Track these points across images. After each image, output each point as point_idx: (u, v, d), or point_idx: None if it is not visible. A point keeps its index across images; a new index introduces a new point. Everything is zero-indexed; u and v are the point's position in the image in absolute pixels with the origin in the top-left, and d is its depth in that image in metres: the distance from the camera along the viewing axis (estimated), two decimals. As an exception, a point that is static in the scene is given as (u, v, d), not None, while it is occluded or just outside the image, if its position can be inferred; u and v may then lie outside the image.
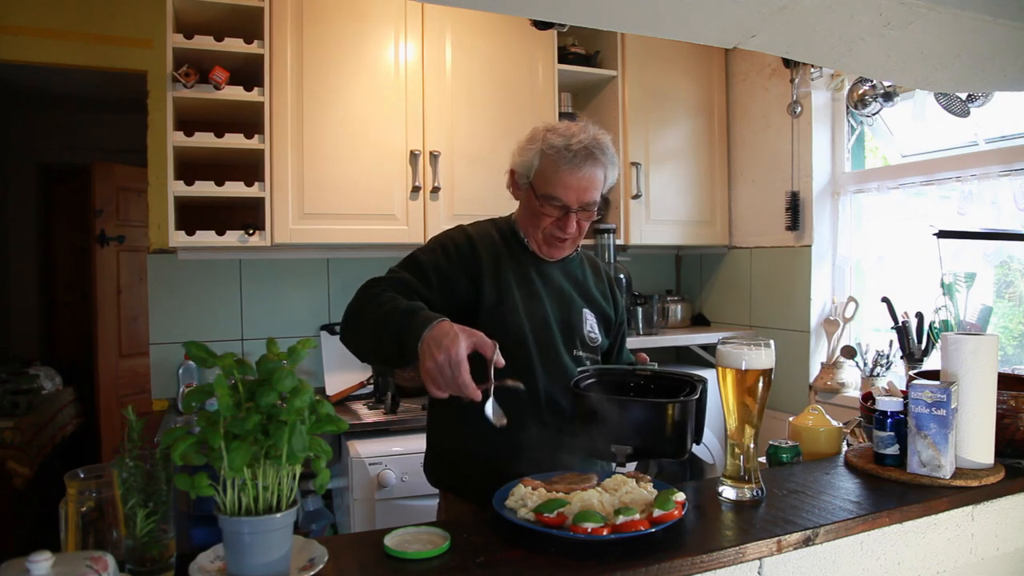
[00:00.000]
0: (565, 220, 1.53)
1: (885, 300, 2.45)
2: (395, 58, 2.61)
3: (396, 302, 1.33)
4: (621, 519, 1.03)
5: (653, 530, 1.03)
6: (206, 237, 2.40)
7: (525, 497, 1.14)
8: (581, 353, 1.60)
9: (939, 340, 2.25)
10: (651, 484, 1.18)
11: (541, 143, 1.54)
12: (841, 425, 1.61)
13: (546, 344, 1.54)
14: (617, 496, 1.13)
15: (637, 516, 1.04)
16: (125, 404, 1.00)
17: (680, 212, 3.16)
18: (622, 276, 2.96)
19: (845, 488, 1.29)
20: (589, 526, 1.01)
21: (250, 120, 2.55)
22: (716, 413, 2.86)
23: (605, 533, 1.01)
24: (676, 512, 1.07)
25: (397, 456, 2.35)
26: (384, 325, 1.29)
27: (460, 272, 1.50)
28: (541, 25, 2.77)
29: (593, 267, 1.74)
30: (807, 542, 1.09)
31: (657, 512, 1.06)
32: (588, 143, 1.52)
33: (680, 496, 1.11)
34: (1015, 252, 2.33)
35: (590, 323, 1.64)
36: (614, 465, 1.34)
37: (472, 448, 1.52)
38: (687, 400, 1.32)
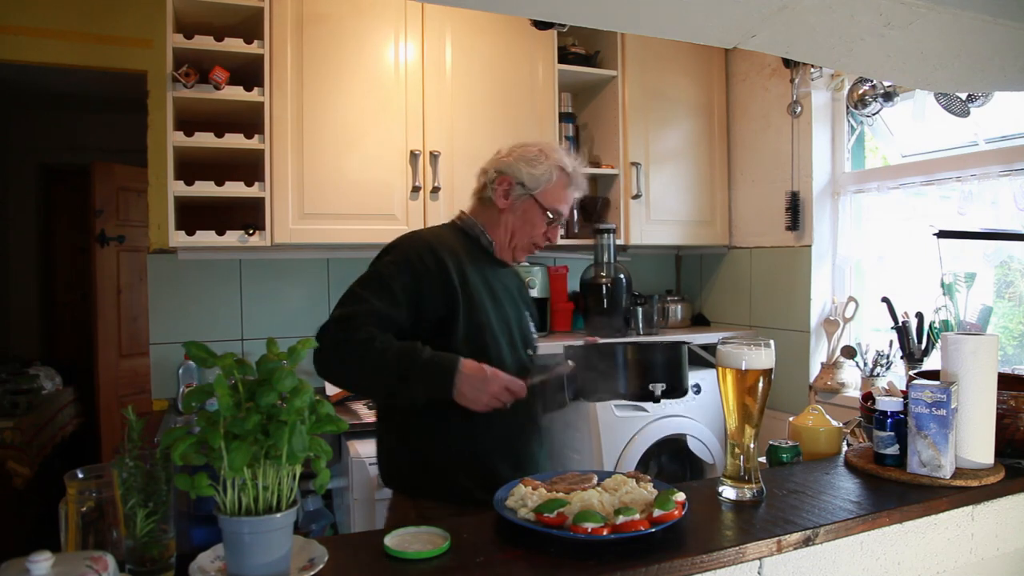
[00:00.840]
0: (552, 230, 1.70)
1: (885, 300, 2.45)
2: (395, 58, 2.61)
3: (390, 348, 1.42)
4: (621, 519, 1.03)
5: (653, 530, 1.03)
6: (206, 237, 2.40)
7: (525, 497, 1.14)
8: (529, 351, 1.74)
9: (939, 340, 2.25)
10: (651, 484, 1.18)
11: (556, 161, 1.67)
12: (841, 425, 1.61)
13: (511, 347, 1.65)
14: (617, 496, 1.13)
15: (637, 516, 1.04)
16: (125, 404, 1.00)
17: (680, 212, 3.16)
18: (622, 276, 2.96)
19: (845, 488, 1.29)
20: (589, 526, 1.01)
21: (250, 120, 2.55)
22: (716, 413, 2.89)
23: (605, 533, 1.01)
24: (676, 512, 1.07)
25: (397, 456, 2.35)
26: (402, 377, 1.42)
27: (428, 288, 1.53)
28: (541, 25, 2.77)
29: (515, 272, 1.86)
30: (807, 542, 1.09)
31: (657, 512, 1.06)
32: (583, 169, 1.76)
33: (680, 496, 1.11)
34: (1015, 252, 2.33)
35: (531, 324, 1.78)
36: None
37: (454, 447, 1.58)
38: (688, 343, 1.76)
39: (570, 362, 1.56)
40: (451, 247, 1.61)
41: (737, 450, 1.23)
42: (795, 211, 2.90)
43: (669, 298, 3.38)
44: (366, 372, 1.43)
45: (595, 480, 1.23)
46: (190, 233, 2.39)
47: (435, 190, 2.64)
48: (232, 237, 2.42)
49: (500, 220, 1.68)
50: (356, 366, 1.44)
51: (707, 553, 1.00)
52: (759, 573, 1.07)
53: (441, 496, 1.55)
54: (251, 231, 2.44)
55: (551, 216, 1.67)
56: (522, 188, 1.65)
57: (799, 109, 2.87)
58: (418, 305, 1.52)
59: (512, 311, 1.69)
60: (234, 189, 2.42)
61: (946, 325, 2.31)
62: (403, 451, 1.63)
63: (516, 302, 1.73)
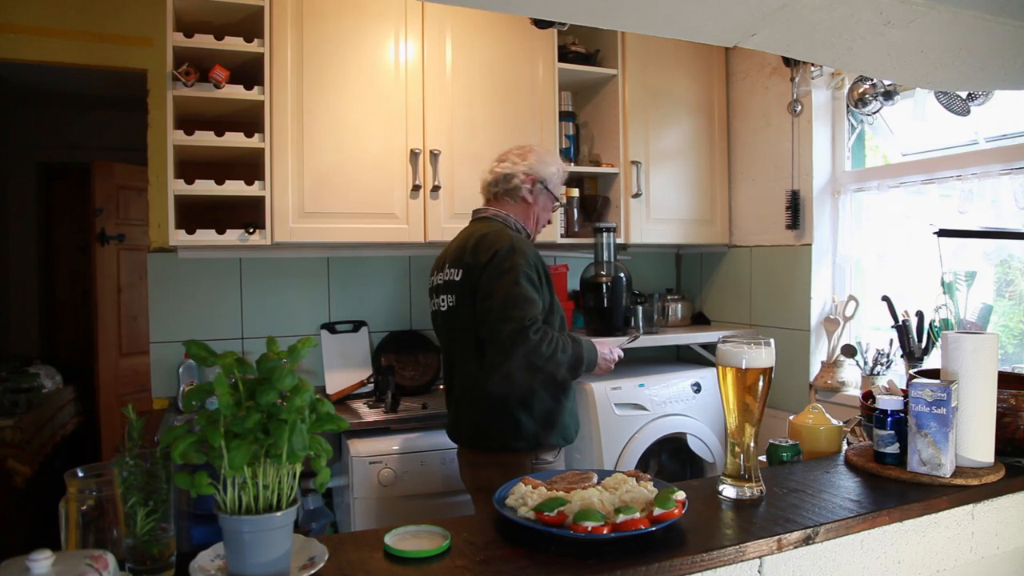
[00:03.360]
0: (555, 212, 2.40)
1: (885, 299, 2.45)
2: (395, 57, 2.60)
3: (573, 343, 2.00)
4: (621, 518, 1.03)
5: (653, 529, 1.03)
6: (206, 236, 2.40)
7: (525, 496, 1.14)
8: None
9: (939, 339, 2.25)
10: (651, 483, 1.18)
11: (558, 164, 2.23)
12: (841, 424, 1.61)
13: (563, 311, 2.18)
14: (617, 495, 1.13)
15: (637, 515, 1.04)
16: (125, 403, 1.00)
17: (680, 211, 3.16)
18: (622, 275, 2.96)
19: (845, 487, 1.29)
20: (589, 524, 1.01)
21: (250, 119, 2.55)
22: (716, 411, 2.89)
23: (605, 532, 1.01)
24: (676, 511, 1.07)
25: (397, 455, 2.36)
26: (582, 360, 2.02)
27: (546, 275, 2.04)
28: (541, 24, 2.77)
29: None
30: (807, 541, 1.09)
31: (657, 511, 1.06)
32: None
33: (680, 495, 1.11)
34: (1015, 250, 2.33)
35: None
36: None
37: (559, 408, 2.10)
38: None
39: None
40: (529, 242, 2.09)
41: (737, 449, 1.23)
42: (795, 210, 2.90)
43: (669, 297, 3.38)
44: (566, 362, 1.94)
45: (595, 479, 1.23)
46: (190, 232, 2.39)
47: (435, 189, 2.64)
48: (232, 236, 2.42)
49: (529, 212, 2.17)
50: (556, 357, 1.91)
51: (707, 552, 1.00)
52: (759, 572, 1.07)
53: (549, 446, 2.04)
54: (251, 230, 2.44)
55: (557, 202, 2.24)
56: (542, 185, 2.15)
57: (799, 108, 2.87)
58: (544, 287, 2.01)
59: None
60: (234, 188, 2.42)
61: (946, 324, 2.31)
62: (528, 417, 2.01)
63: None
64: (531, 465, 2.01)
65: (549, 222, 2.29)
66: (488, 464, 2.03)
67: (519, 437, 2.00)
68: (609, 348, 2.13)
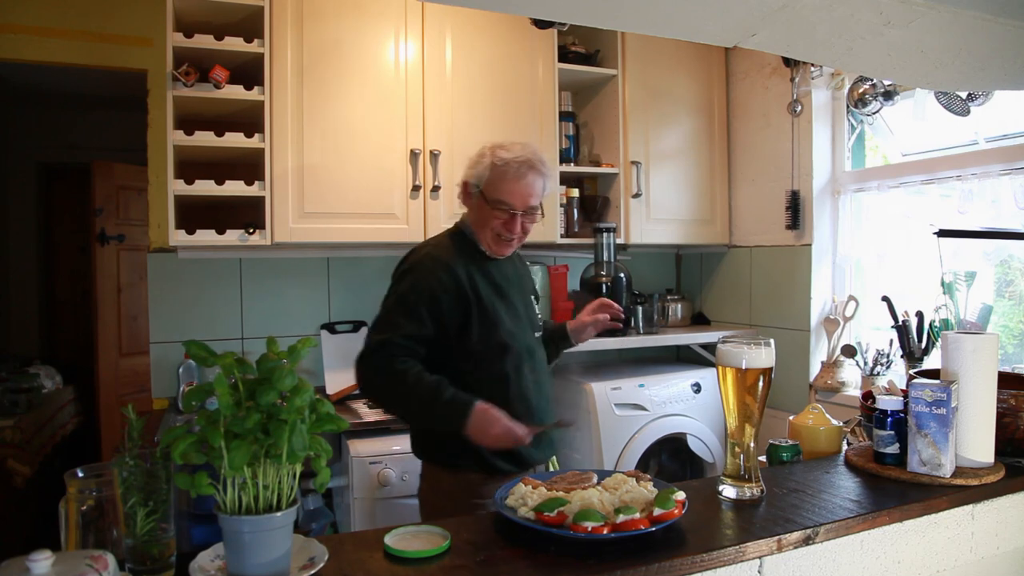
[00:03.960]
0: (511, 222, 1.79)
1: (885, 299, 2.45)
2: (395, 57, 2.60)
3: (420, 383, 1.65)
4: (621, 518, 1.03)
5: (653, 529, 1.03)
6: (206, 236, 2.40)
7: (525, 496, 1.14)
8: (539, 333, 1.95)
9: (939, 339, 2.25)
10: (651, 483, 1.18)
11: (491, 157, 1.79)
12: (841, 424, 1.61)
13: (520, 330, 1.84)
14: (617, 495, 1.13)
15: (637, 515, 1.04)
16: (125, 403, 1.00)
17: (680, 211, 3.16)
18: (622, 275, 2.96)
19: (845, 487, 1.29)
20: (589, 525, 1.01)
21: (250, 119, 2.55)
22: (716, 412, 2.89)
23: (605, 532, 1.01)
24: (676, 511, 1.07)
25: (397, 455, 2.36)
26: (426, 410, 1.68)
27: (447, 303, 1.74)
28: (541, 24, 2.77)
29: (518, 258, 2.02)
30: (807, 541, 1.09)
31: (657, 511, 1.06)
32: (530, 156, 1.79)
33: (680, 495, 1.11)
34: (1015, 251, 2.33)
35: (537, 308, 1.99)
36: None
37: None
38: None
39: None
40: (457, 256, 1.80)
41: (737, 449, 1.23)
42: (795, 210, 2.90)
43: (669, 297, 3.38)
44: (399, 402, 1.73)
45: (595, 479, 1.23)
46: (190, 232, 2.39)
47: (435, 189, 2.64)
48: (232, 236, 2.42)
49: (477, 220, 1.85)
50: (392, 395, 1.72)
51: (707, 552, 1.00)
52: (759, 572, 1.07)
53: (471, 467, 1.75)
54: (251, 230, 2.44)
55: (498, 207, 1.77)
56: (475, 188, 1.82)
57: (799, 108, 2.87)
58: (440, 319, 1.73)
59: (518, 299, 1.88)
60: (234, 188, 2.42)
61: (946, 324, 2.31)
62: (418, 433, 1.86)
63: (521, 290, 1.92)
64: (456, 487, 1.77)
65: (514, 232, 1.80)
66: (423, 473, 1.89)
67: (418, 448, 1.87)
68: (510, 425, 1.63)
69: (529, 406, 1.80)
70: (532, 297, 1.99)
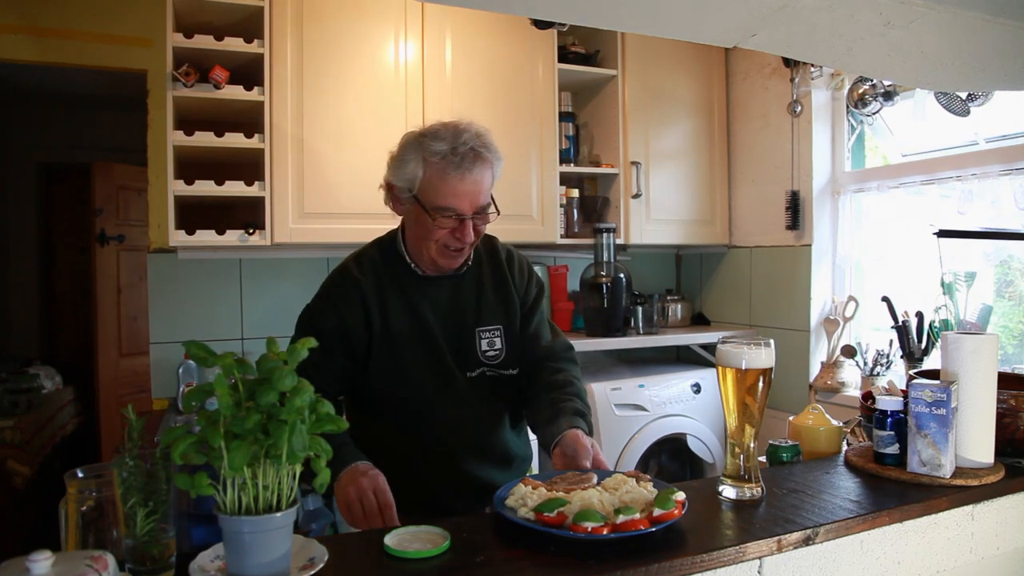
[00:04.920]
0: (461, 229, 1.44)
1: (885, 299, 2.45)
2: (395, 58, 2.60)
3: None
4: (621, 518, 1.03)
5: (653, 529, 1.03)
6: (206, 236, 2.40)
7: (525, 496, 1.13)
8: (480, 370, 1.56)
9: (939, 339, 2.25)
10: (651, 484, 1.18)
11: (421, 150, 1.44)
12: (841, 424, 1.61)
13: (440, 368, 1.52)
14: (617, 495, 1.13)
15: (638, 515, 1.04)
16: (125, 403, 1.00)
17: (680, 211, 3.16)
18: (622, 275, 2.96)
19: (845, 487, 1.29)
20: (589, 525, 1.01)
21: (250, 119, 2.55)
22: (716, 412, 2.89)
23: (605, 532, 1.01)
24: (676, 511, 1.07)
25: (397, 455, 2.35)
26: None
27: (352, 324, 1.48)
28: (541, 24, 2.77)
29: (493, 266, 1.62)
30: (807, 541, 1.09)
31: (657, 511, 1.06)
32: (473, 143, 1.44)
33: (680, 495, 1.11)
34: (1015, 251, 2.33)
35: (487, 340, 1.58)
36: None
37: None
38: None
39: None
40: (374, 267, 1.53)
41: (737, 449, 1.23)
42: (795, 210, 2.90)
43: (669, 297, 3.38)
44: None
45: (595, 479, 1.22)
46: (190, 232, 2.39)
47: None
48: (232, 236, 2.42)
49: (410, 232, 1.53)
50: None
51: (707, 552, 1.00)
52: (759, 572, 1.07)
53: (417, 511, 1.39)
54: (251, 230, 2.44)
55: (442, 215, 1.42)
56: (405, 193, 1.49)
57: (799, 108, 2.87)
58: (348, 340, 1.48)
59: (448, 331, 1.54)
60: (234, 188, 2.42)
61: (946, 324, 2.31)
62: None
63: (457, 322, 1.55)
64: None
65: (464, 240, 1.45)
66: None
67: None
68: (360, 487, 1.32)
69: (433, 464, 1.50)
70: (475, 322, 1.56)
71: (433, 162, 1.42)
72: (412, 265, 1.54)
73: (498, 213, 1.49)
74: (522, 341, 1.62)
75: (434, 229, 1.44)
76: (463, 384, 1.54)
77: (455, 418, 1.53)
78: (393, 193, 1.53)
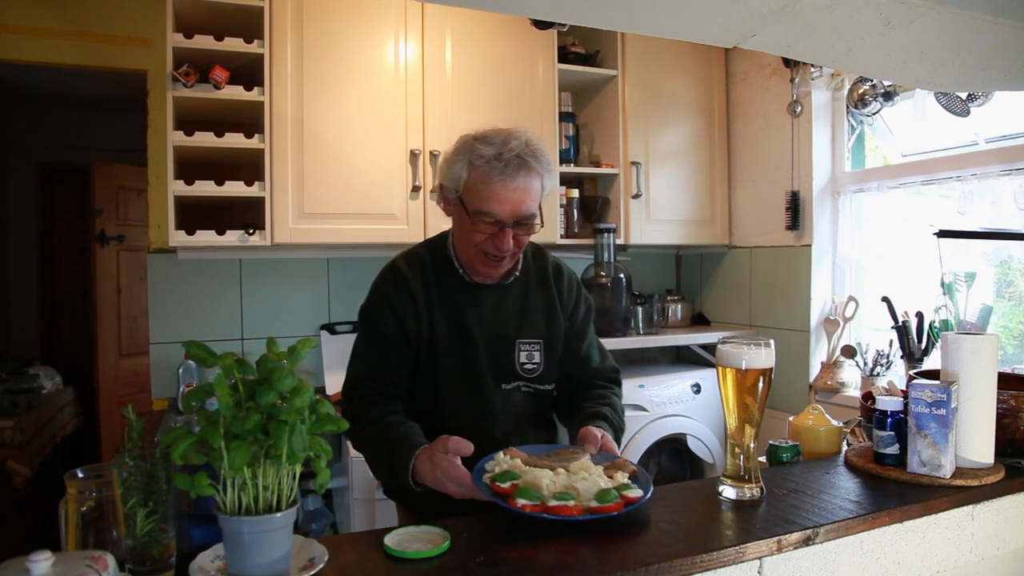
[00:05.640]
0: (500, 237, 1.42)
1: (885, 300, 2.45)
2: (395, 58, 2.60)
3: (381, 440, 1.38)
4: (553, 503, 1.07)
5: (583, 518, 1.06)
6: (206, 237, 2.40)
7: (500, 462, 1.20)
8: (516, 383, 1.56)
9: (939, 339, 2.25)
10: (626, 477, 1.19)
11: (469, 153, 1.43)
12: (841, 425, 1.61)
13: (472, 378, 1.52)
14: (571, 480, 1.16)
15: (571, 503, 1.07)
16: (125, 403, 1.00)
17: (680, 212, 3.16)
18: (622, 275, 2.96)
19: (845, 488, 1.29)
20: (521, 501, 1.06)
21: (250, 120, 2.55)
22: (716, 412, 2.89)
23: (531, 511, 1.05)
24: (614, 507, 1.09)
25: (397, 455, 2.35)
26: (381, 463, 1.39)
27: (407, 317, 1.49)
28: (541, 25, 2.77)
29: (540, 279, 1.61)
30: (807, 541, 1.09)
31: (594, 503, 1.09)
32: (520, 151, 1.41)
33: (634, 492, 1.13)
34: (1015, 251, 2.33)
35: (526, 353, 1.56)
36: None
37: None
38: None
39: None
40: (422, 267, 1.53)
41: (737, 450, 1.23)
42: (795, 210, 2.90)
43: (669, 298, 3.38)
44: (366, 456, 1.45)
45: (582, 456, 1.26)
46: (190, 233, 2.39)
47: (435, 190, 2.63)
48: (232, 237, 2.42)
49: (456, 233, 1.52)
50: (358, 446, 1.46)
51: (707, 552, 1.00)
52: (759, 572, 1.07)
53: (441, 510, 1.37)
54: (251, 231, 2.44)
55: (482, 219, 1.40)
56: (452, 194, 1.47)
57: (799, 108, 2.87)
58: (407, 340, 1.49)
59: (488, 340, 1.53)
60: (234, 189, 2.42)
61: (946, 324, 2.31)
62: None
63: (498, 332, 1.54)
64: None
65: (495, 252, 1.44)
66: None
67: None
68: (453, 475, 1.22)
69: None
70: (524, 339, 1.56)
71: (478, 165, 1.42)
72: (460, 271, 1.53)
73: (542, 224, 1.48)
74: (571, 362, 1.62)
75: (473, 232, 1.43)
76: (496, 396, 1.53)
77: (484, 430, 1.50)
78: (443, 193, 1.51)
